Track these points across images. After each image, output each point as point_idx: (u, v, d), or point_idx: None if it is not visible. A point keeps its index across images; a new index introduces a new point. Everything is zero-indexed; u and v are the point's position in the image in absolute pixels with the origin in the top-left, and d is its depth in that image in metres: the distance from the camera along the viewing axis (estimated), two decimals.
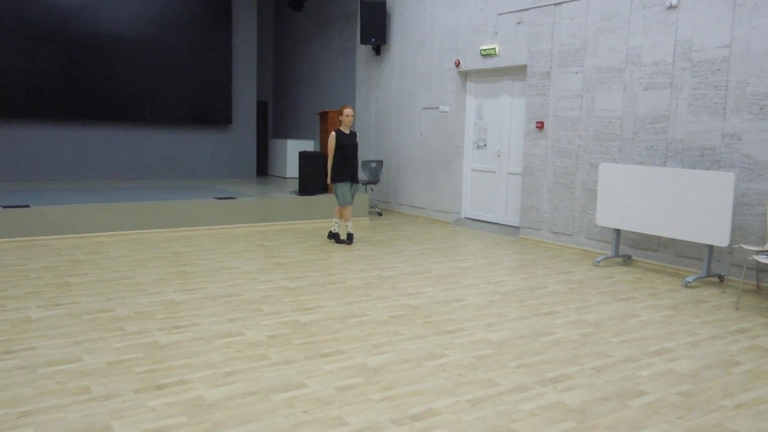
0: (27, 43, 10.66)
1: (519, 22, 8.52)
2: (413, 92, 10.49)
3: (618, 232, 7.01)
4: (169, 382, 3.44)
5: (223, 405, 3.18)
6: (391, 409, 3.18)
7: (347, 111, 7.58)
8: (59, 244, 7.33)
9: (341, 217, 7.80)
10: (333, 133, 7.55)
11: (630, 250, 7.23)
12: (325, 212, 9.56)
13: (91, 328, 4.32)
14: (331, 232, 7.88)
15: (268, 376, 3.57)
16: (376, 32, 10.78)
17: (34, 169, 11.03)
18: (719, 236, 5.95)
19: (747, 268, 6.13)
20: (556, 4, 7.93)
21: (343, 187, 7.60)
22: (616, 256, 7.06)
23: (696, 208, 6.12)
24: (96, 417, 3.00)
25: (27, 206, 7.52)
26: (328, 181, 7.64)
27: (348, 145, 7.57)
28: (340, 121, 7.63)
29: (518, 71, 8.87)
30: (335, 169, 7.58)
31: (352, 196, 7.71)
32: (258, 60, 14.90)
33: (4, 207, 7.41)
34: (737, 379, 3.73)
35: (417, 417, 3.10)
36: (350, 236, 7.77)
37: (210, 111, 12.47)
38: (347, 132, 7.63)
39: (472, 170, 9.77)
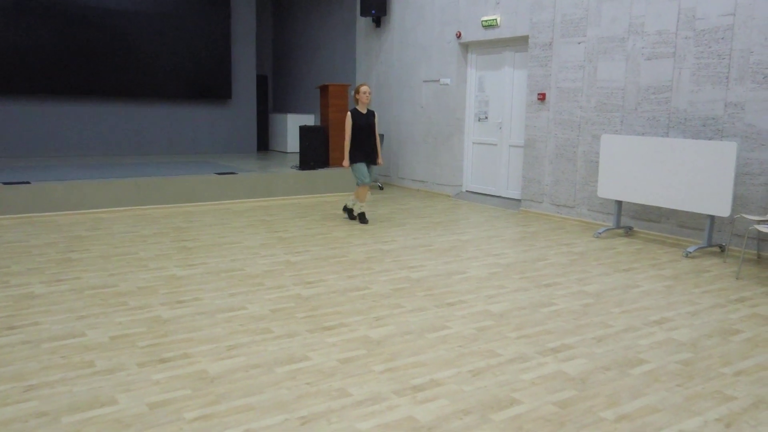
0: (24, 18, 10.55)
1: None
2: (414, 65, 10.40)
3: (619, 203, 7.00)
4: (172, 356, 3.47)
5: (227, 378, 3.21)
6: (393, 380, 3.21)
7: (363, 89, 7.16)
8: (60, 220, 7.34)
9: (363, 199, 7.39)
10: (349, 114, 7.14)
11: (631, 221, 7.22)
12: (326, 186, 9.55)
13: (94, 304, 4.34)
14: (358, 214, 7.48)
15: (271, 350, 3.59)
16: (376, 4, 10.65)
17: (33, 146, 11.00)
18: (721, 206, 5.94)
19: (748, 237, 6.13)
20: None
21: (361, 167, 7.19)
22: (618, 227, 7.05)
23: (698, 178, 6.10)
24: (101, 390, 3.04)
25: (27, 183, 7.51)
26: (344, 163, 7.24)
27: (365, 125, 7.17)
28: (357, 100, 7.20)
29: (520, 42, 8.78)
30: (351, 150, 7.20)
31: (371, 176, 7.33)
32: (257, 33, 14.76)
33: (5, 183, 7.40)
34: (737, 347, 3.75)
35: (419, 388, 3.13)
36: (362, 215, 7.43)
37: (209, 86, 12.38)
38: (364, 111, 7.22)
39: (474, 143, 9.73)
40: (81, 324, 3.94)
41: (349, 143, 7.20)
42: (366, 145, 7.24)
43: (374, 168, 7.41)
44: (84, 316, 4.08)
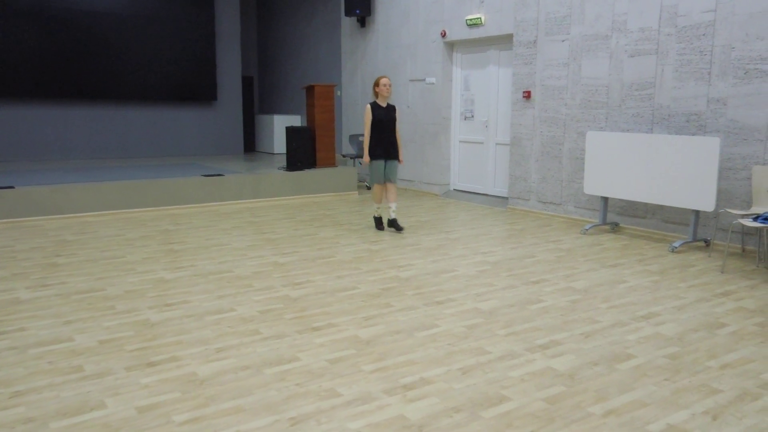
0: (6, 21, 10.44)
1: None
2: (399, 64, 10.40)
3: (605, 200, 7.05)
4: (161, 359, 3.45)
5: (216, 380, 3.20)
6: (383, 380, 3.21)
7: (384, 81, 6.71)
8: (46, 224, 7.27)
9: (379, 200, 7.01)
10: (368, 107, 6.73)
11: (617, 217, 7.27)
12: (313, 187, 9.53)
13: (81, 308, 4.31)
14: (374, 217, 7.18)
15: (260, 351, 3.59)
16: (360, 3, 10.64)
17: (17, 150, 10.89)
18: (705, 201, 6.00)
19: (732, 231, 6.20)
20: None
21: (378, 165, 6.79)
22: (604, 223, 7.10)
23: (682, 173, 6.15)
24: (89, 395, 3.02)
25: (12, 187, 7.44)
26: (365, 159, 6.83)
27: (385, 119, 6.74)
28: (376, 93, 6.77)
29: (504, 41, 8.81)
30: (370, 146, 6.78)
31: (393, 174, 6.89)
32: (242, 34, 14.70)
33: None
34: (722, 341, 3.79)
35: (409, 386, 3.14)
36: (393, 222, 6.94)
37: (195, 87, 12.32)
38: (384, 105, 6.80)
39: (460, 142, 9.75)
40: (68, 329, 3.91)
41: (368, 138, 6.79)
42: (386, 140, 6.80)
43: (395, 166, 6.92)
44: (71, 321, 4.05)
